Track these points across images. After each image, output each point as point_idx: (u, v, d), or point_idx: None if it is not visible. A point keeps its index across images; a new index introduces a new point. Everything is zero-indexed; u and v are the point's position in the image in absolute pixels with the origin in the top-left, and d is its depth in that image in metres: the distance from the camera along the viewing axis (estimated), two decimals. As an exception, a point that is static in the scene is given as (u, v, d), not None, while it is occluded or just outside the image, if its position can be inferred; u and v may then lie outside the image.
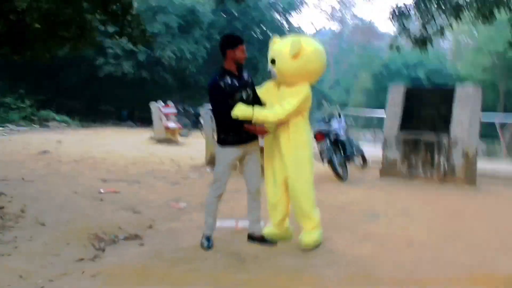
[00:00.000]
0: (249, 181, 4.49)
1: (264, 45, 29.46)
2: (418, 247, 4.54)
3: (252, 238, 4.55)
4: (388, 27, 72.24)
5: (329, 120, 8.69)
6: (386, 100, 8.65)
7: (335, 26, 58.14)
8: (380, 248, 4.48)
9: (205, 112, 9.49)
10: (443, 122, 7.84)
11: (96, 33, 5.94)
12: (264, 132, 4.32)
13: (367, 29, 54.59)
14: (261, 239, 4.52)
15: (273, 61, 4.45)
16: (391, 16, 9.99)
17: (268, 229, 4.65)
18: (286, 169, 4.45)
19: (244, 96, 4.31)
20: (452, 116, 7.75)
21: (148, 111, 14.87)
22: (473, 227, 5.35)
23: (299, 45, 4.28)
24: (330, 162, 8.09)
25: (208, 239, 4.39)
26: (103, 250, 4.31)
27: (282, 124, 4.36)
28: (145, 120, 23.30)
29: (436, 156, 7.82)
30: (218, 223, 5.08)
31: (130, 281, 3.58)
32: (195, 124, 17.86)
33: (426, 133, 8.01)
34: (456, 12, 9.68)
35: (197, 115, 18.05)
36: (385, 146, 8.54)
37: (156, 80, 23.70)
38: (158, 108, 14.30)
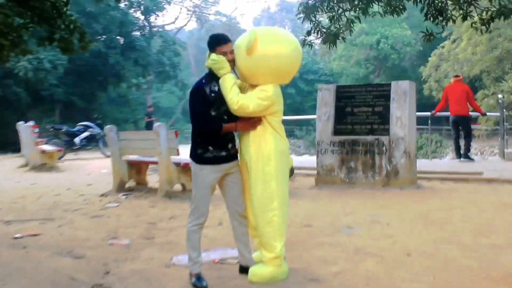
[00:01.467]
0: (234, 203, 4.26)
1: (127, 48, 28.99)
2: (418, 256, 4.69)
3: (245, 270, 4.34)
4: (249, 25, 74.54)
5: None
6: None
7: (195, 24, 58.76)
8: (383, 262, 4.55)
9: (110, 129, 8.95)
10: (380, 121, 8.24)
11: (26, 40, 5.27)
12: (246, 127, 4.08)
13: (228, 26, 55.73)
14: None
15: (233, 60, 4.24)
16: (301, 10, 10.25)
17: (256, 256, 4.47)
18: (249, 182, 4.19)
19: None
20: (390, 114, 8.16)
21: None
22: (452, 228, 5.68)
23: (253, 37, 3.96)
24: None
25: (200, 277, 4.12)
26: (72, 309, 3.84)
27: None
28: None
29: (377, 158, 8.18)
30: (185, 259, 4.84)
31: None
32: (69, 144, 16.81)
33: (364, 133, 8.35)
34: (367, 5, 10.19)
35: (71, 134, 17.07)
36: (319, 151, 8.73)
37: (7, 97, 21.88)
38: (31, 129, 13.20)
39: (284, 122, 4.40)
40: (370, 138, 8.28)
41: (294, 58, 4.16)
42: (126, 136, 9.05)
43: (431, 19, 9.57)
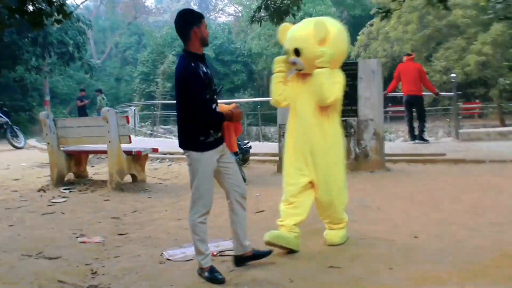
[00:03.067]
0: (234, 184, 4.27)
1: (24, 26, 27.50)
2: (427, 238, 4.93)
3: (242, 259, 4.37)
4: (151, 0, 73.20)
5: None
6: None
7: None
8: (394, 246, 4.74)
9: (47, 115, 8.58)
10: (347, 102, 8.43)
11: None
12: (240, 118, 4.29)
13: (132, 1, 54.62)
14: (255, 256, 4.41)
15: (296, 51, 4.56)
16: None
17: (275, 232, 4.61)
18: (318, 169, 4.66)
19: (215, 87, 4.25)
20: (358, 94, 8.40)
21: None
22: (446, 210, 6.02)
23: (325, 29, 4.45)
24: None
25: (214, 270, 4.10)
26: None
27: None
28: None
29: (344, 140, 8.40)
30: (181, 254, 4.83)
31: None
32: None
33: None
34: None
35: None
36: (281, 135, 8.83)
37: None
38: None
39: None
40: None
41: (349, 42, 4.87)
42: (65, 124, 8.71)
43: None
